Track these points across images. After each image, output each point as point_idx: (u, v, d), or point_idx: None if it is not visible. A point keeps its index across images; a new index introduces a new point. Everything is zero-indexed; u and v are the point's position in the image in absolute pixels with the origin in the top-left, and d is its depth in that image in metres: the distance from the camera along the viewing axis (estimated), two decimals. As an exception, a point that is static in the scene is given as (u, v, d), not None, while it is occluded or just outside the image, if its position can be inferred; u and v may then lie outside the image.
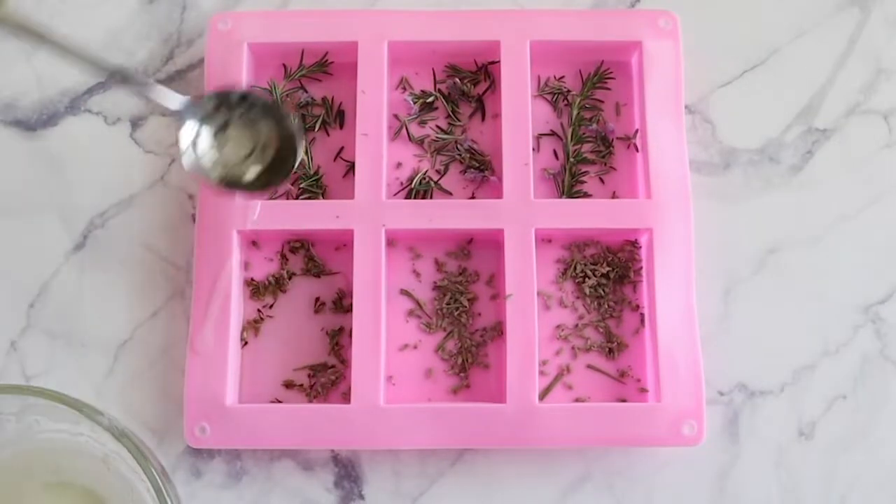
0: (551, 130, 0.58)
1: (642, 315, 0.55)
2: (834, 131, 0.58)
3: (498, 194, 0.55)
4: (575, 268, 0.56)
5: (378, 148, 0.55)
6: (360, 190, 0.54)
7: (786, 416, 0.54)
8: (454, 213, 0.54)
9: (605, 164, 0.57)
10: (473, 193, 0.57)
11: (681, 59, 0.56)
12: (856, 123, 0.59)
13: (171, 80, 0.59)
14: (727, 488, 0.53)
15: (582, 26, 0.57)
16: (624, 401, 0.54)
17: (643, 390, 0.54)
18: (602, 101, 0.58)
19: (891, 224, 0.57)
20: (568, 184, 0.56)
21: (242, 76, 0.56)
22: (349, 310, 0.54)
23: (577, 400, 0.54)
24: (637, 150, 0.57)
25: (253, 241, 0.56)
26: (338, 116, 0.58)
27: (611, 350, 0.55)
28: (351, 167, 0.56)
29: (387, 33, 0.56)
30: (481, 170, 0.57)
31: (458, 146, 0.57)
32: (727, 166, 0.58)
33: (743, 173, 0.58)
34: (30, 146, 0.58)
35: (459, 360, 0.54)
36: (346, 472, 0.53)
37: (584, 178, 0.57)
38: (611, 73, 0.58)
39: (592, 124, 0.57)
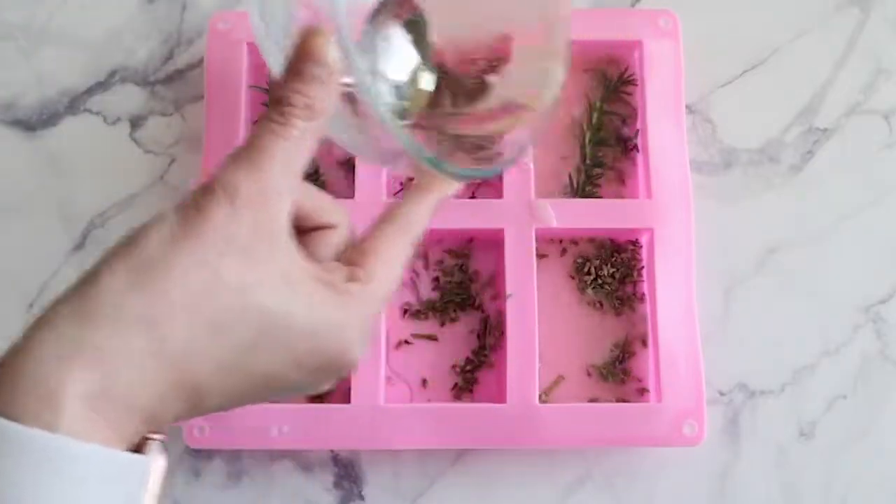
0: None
1: (643, 315, 0.55)
2: (834, 131, 0.58)
3: (498, 194, 0.55)
4: (575, 267, 0.56)
5: (378, 148, 0.55)
6: (360, 189, 0.54)
7: (786, 416, 0.54)
8: (454, 213, 0.54)
9: (614, 168, 0.57)
10: (473, 193, 0.57)
11: (681, 59, 0.56)
12: (856, 123, 0.59)
13: (170, 80, 0.59)
14: (727, 488, 0.53)
15: (582, 26, 0.57)
16: (624, 401, 0.54)
17: (643, 390, 0.54)
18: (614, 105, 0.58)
19: (891, 224, 0.57)
20: (582, 185, 0.56)
21: (242, 76, 0.56)
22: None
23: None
24: (637, 151, 0.57)
25: (253, 241, 0.56)
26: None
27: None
28: (351, 167, 0.56)
29: (387, 33, 0.56)
30: None
31: (459, 146, 0.57)
32: (727, 166, 0.58)
33: (743, 173, 0.58)
34: (30, 146, 0.58)
35: (459, 361, 0.54)
36: (346, 472, 0.53)
37: (599, 182, 0.57)
38: (633, 77, 0.58)
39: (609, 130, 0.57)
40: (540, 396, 0.52)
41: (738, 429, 0.54)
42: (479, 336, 0.55)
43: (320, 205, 0.35)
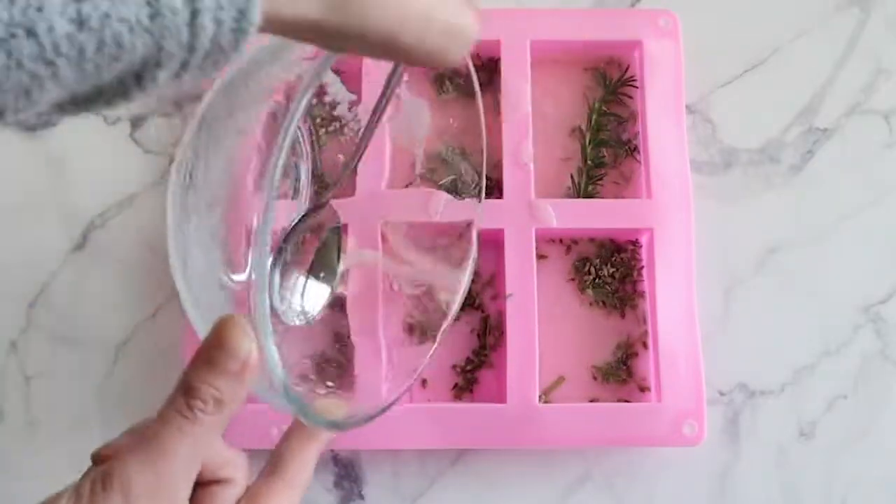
0: (571, 129, 0.58)
1: (643, 315, 0.55)
2: (834, 131, 0.58)
3: (498, 194, 0.55)
4: (575, 267, 0.56)
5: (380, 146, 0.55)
6: (360, 189, 0.54)
7: (786, 416, 0.54)
8: (454, 213, 0.54)
9: (616, 168, 0.57)
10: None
11: (681, 58, 0.56)
12: (856, 123, 0.59)
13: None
14: (727, 488, 0.53)
15: (582, 26, 0.57)
16: (624, 401, 0.54)
17: (643, 390, 0.54)
18: (612, 104, 0.58)
19: (891, 224, 0.57)
20: (584, 185, 0.56)
21: (242, 76, 0.56)
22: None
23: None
24: (638, 151, 0.57)
25: (253, 241, 0.56)
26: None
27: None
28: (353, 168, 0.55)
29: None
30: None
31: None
32: (727, 166, 0.58)
33: (743, 173, 0.58)
34: (30, 146, 0.58)
35: (459, 361, 0.54)
36: (346, 472, 0.53)
37: (601, 182, 0.57)
38: (633, 77, 0.57)
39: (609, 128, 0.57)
40: (540, 396, 0.52)
41: (738, 429, 0.54)
42: (479, 336, 0.55)
43: (222, 460, 0.35)
